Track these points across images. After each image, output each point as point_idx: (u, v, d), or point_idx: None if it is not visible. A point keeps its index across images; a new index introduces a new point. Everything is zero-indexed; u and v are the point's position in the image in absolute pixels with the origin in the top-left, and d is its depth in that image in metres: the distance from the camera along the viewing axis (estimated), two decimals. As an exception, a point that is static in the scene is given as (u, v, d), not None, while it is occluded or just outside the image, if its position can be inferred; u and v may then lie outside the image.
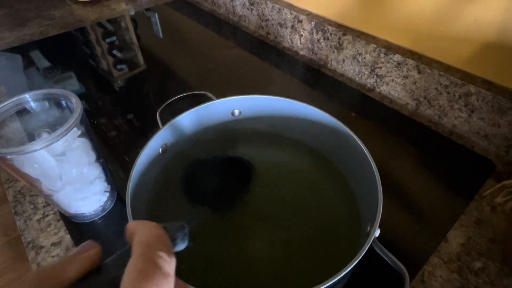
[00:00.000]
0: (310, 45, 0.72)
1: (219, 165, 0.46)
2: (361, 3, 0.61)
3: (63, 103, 0.35)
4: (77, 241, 0.41)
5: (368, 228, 0.32)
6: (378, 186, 0.33)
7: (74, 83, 0.70)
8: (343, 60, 0.66)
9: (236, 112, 0.47)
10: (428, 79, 0.54)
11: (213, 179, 0.44)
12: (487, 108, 0.49)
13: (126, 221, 0.30)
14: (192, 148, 0.47)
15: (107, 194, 0.43)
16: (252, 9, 0.82)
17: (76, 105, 0.33)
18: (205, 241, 0.38)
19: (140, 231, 0.17)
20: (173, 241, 0.18)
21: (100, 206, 0.42)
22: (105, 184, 0.42)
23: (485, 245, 0.40)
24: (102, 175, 0.41)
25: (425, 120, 0.57)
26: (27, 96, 0.34)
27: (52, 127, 0.35)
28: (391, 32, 0.60)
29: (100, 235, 0.41)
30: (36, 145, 0.29)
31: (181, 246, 0.19)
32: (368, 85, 0.64)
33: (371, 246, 0.30)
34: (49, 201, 0.42)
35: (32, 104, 0.34)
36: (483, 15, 0.46)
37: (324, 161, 0.46)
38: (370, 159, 0.35)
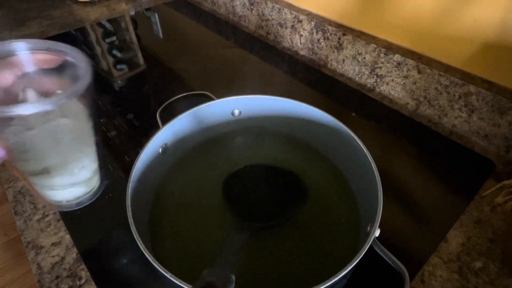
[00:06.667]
0: (310, 45, 0.72)
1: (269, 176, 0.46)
2: (361, 3, 0.61)
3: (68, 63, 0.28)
4: (77, 240, 0.41)
5: (368, 228, 0.32)
6: (378, 186, 0.33)
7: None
8: (343, 60, 0.66)
9: (236, 112, 0.47)
10: (428, 79, 0.54)
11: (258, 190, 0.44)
12: (487, 108, 0.49)
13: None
14: (192, 149, 0.47)
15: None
16: (252, 9, 0.82)
17: (86, 71, 0.26)
18: (202, 238, 0.38)
19: None
20: None
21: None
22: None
23: (485, 245, 0.40)
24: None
25: (425, 120, 0.57)
26: (20, 44, 0.26)
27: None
28: (391, 32, 0.60)
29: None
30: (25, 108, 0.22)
31: None
32: (368, 85, 0.64)
33: (371, 246, 0.30)
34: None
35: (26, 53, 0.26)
36: (483, 15, 0.46)
37: (324, 161, 0.46)
38: (370, 159, 0.35)
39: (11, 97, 0.25)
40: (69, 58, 0.27)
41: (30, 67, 0.26)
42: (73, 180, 0.33)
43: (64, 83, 0.27)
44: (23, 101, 0.26)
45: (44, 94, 0.27)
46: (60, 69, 0.28)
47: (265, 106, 0.46)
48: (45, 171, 0.30)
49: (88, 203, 0.35)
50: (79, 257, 0.39)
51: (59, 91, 0.27)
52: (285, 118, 0.46)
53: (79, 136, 0.31)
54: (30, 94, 0.26)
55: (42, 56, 0.26)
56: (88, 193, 0.36)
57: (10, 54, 0.26)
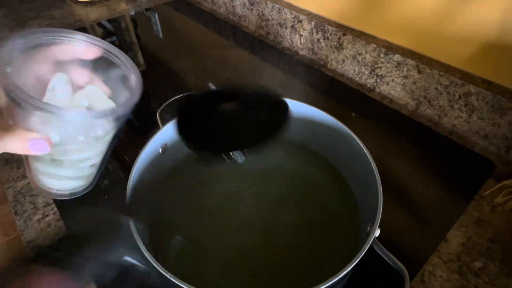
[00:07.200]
0: (310, 45, 0.72)
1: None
2: (361, 3, 0.61)
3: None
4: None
5: (368, 228, 0.32)
6: (378, 186, 0.33)
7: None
8: (343, 60, 0.66)
9: (236, 112, 0.47)
10: (428, 79, 0.54)
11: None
12: (487, 108, 0.49)
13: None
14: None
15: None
16: (252, 9, 0.82)
17: (137, 83, 0.27)
18: (202, 238, 0.38)
19: None
20: None
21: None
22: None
23: (485, 245, 0.40)
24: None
25: (425, 120, 0.57)
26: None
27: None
28: (391, 32, 0.60)
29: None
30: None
31: None
32: (368, 85, 0.64)
33: (371, 246, 0.30)
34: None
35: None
36: (483, 15, 0.46)
37: (324, 161, 0.46)
38: (370, 159, 0.35)
39: (41, 84, 0.25)
40: (115, 60, 0.28)
41: (67, 56, 0.26)
42: (79, 174, 0.33)
43: (96, 79, 0.28)
44: (53, 89, 0.26)
45: (73, 84, 0.27)
46: (97, 64, 0.28)
47: (265, 106, 0.46)
48: (58, 162, 0.30)
49: (81, 194, 0.34)
50: (79, 257, 0.39)
51: (89, 86, 0.27)
52: (285, 118, 0.46)
53: (107, 138, 0.31)
54: (60, 84, 0.26)
55: (82, 48, 0.26)
56: (84, 185, 0.35)
57: (53, 43, 0.26)
